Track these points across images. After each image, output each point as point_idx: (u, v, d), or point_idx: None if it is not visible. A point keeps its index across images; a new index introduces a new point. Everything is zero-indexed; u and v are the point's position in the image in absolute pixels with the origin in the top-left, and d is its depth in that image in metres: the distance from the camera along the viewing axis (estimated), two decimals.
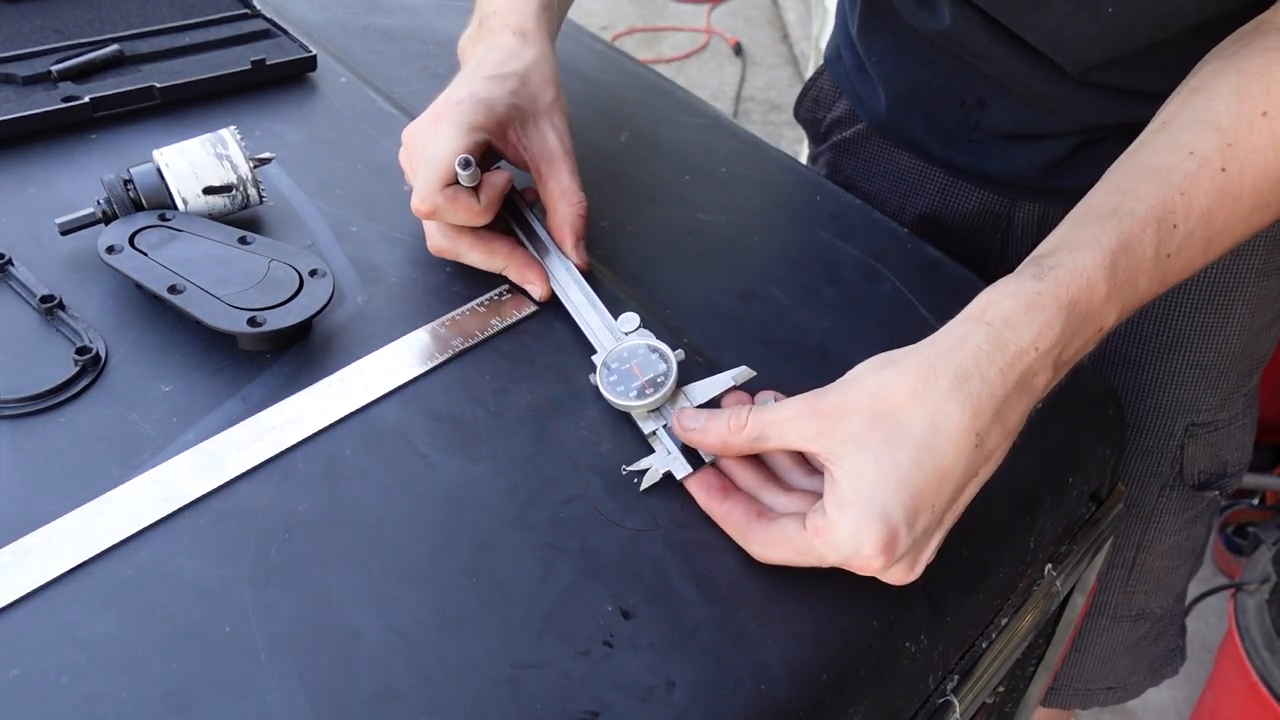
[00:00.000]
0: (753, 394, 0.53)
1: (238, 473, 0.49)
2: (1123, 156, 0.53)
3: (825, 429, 0.44)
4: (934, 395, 0.43)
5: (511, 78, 0.60)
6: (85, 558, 0.44)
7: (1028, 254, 0.79)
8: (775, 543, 0.46)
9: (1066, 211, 0.77)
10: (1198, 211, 0.50)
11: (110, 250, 0.56)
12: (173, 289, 0.54)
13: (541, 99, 0.61)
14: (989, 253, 0.81)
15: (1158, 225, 0.49)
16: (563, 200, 0.60)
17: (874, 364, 0.46)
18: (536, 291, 0.60)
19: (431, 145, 0.57)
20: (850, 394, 0.45)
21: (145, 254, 0.56)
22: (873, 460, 0.43)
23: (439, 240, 0.60)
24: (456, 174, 0.55)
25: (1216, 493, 0.83)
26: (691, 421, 0.49)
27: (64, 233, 0.58)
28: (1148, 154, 0.52)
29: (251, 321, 0.53)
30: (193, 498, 0.47)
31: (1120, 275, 0.48)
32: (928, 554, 0.45)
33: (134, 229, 0.57)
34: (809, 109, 0.93)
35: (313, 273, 0.56)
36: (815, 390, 0.46)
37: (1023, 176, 0.76)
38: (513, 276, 0.60)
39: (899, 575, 0.45)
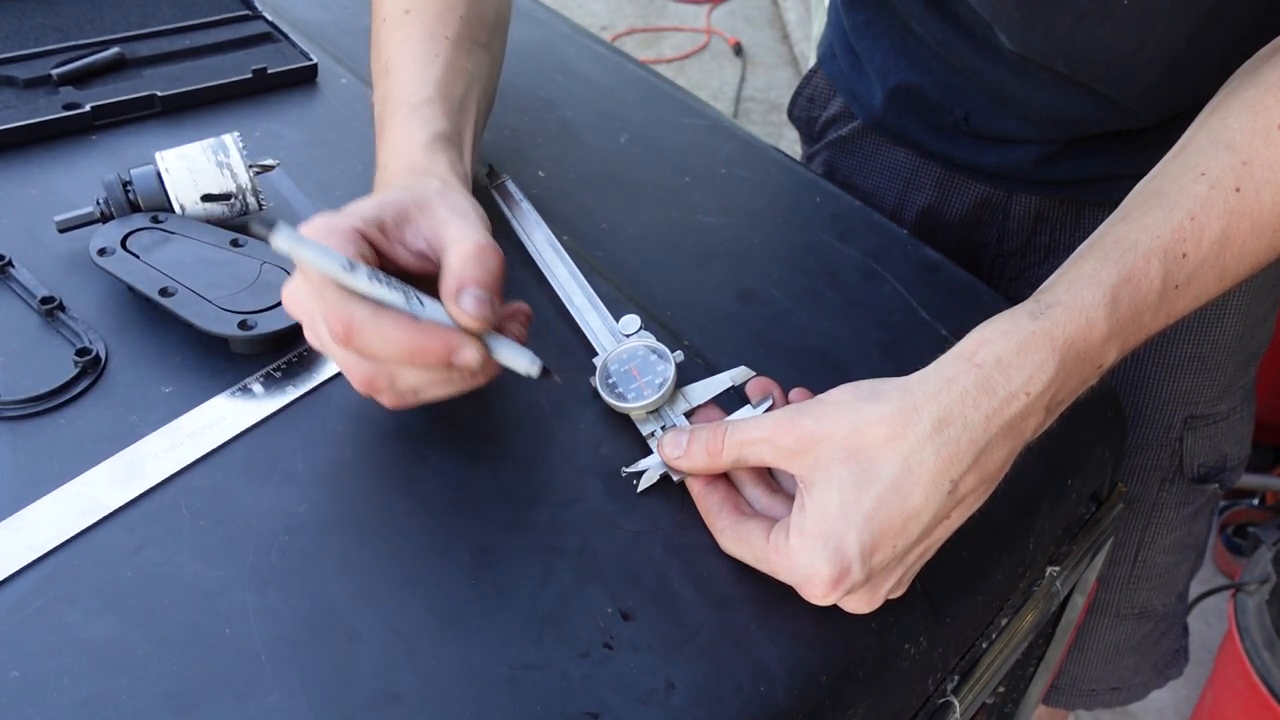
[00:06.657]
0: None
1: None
2: (1139, 183, 0.51)
3: (799, 452, 0.44)
4: (911, 438, 0.43)
5: (380, 190, 0.51)
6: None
7: (1024, 245, 0.80)
8: (739, 541, 0.46)
9: (1061, 203, 0.78)
10: (1210, 237, 0.47)
11: (102, 253, 0.56)
12: (164, 292, 0.54)
13: (425, 191, 0.49)
14: (985, 246, 0.82)
15: (1164, 256, 0.47)
16: (454, 247, 0.46)
17: (859, 392, 0.45)
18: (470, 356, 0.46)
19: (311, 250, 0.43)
20: (827, 422, 0.44)
21: (137, 256, 0.56)
22: (838, 495, 0.42)
23: (365, 370, 0.46)
24: (346, 282, 0.44)
25: (1216, 486, 0.83)
26: (672, 450, 0.49)
27: (62, 230, 0.58)
28: (1160, 179, 0.50)
29: (243, 325, 0.53)
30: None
31: (1122, 311, 0.46)
32: (887, 587, 0.45)
33: (126, 231, 0.57)
34: (804, 107, 0.93)
35: None
36: (794, 406, 0.46)
37: (1018, 169, 0.76)
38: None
39: (855, 605, 0.45)
